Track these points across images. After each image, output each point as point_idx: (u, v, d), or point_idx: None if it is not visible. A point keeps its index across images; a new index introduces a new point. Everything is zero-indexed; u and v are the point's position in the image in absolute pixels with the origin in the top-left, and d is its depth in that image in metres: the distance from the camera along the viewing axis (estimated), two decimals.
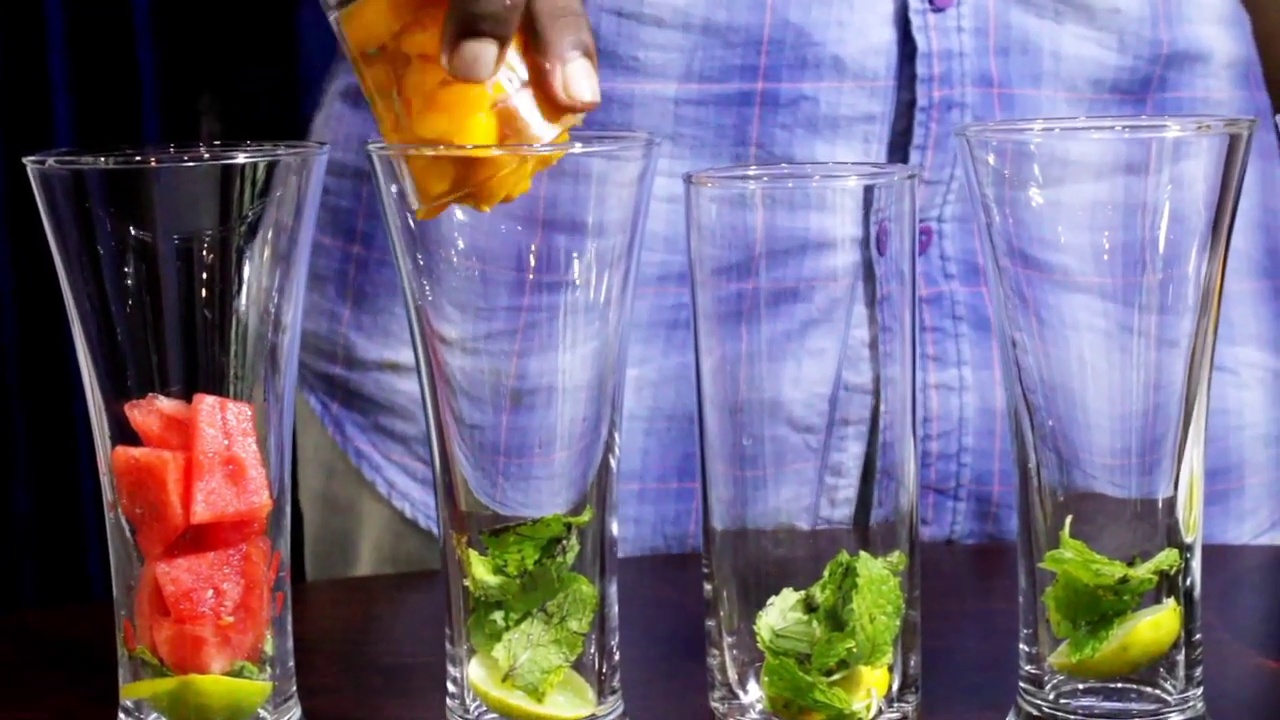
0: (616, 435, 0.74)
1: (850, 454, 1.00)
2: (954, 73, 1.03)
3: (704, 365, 0.73)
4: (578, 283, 0.72)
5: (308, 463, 1.16)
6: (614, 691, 0.75)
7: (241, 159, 0.70)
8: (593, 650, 0.73)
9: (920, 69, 1.02)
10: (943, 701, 0.78)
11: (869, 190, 0.71)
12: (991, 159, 0.72)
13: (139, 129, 2.05)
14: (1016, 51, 1.04)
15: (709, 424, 0.73)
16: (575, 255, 0.72)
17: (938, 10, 1.02)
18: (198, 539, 0.71)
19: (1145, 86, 1.07)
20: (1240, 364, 1.12)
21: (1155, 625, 0.72)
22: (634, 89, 1.03)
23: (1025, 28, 1.04)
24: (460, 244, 0.72)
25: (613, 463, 0.74)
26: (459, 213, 0.71)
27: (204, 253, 0.71)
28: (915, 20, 1.02)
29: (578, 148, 0.72)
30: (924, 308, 1.05)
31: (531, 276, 0.72)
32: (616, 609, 0.74)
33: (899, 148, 1.03)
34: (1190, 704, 0.73)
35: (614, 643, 0.74)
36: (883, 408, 0.74)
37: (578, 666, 0.73)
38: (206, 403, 0.71)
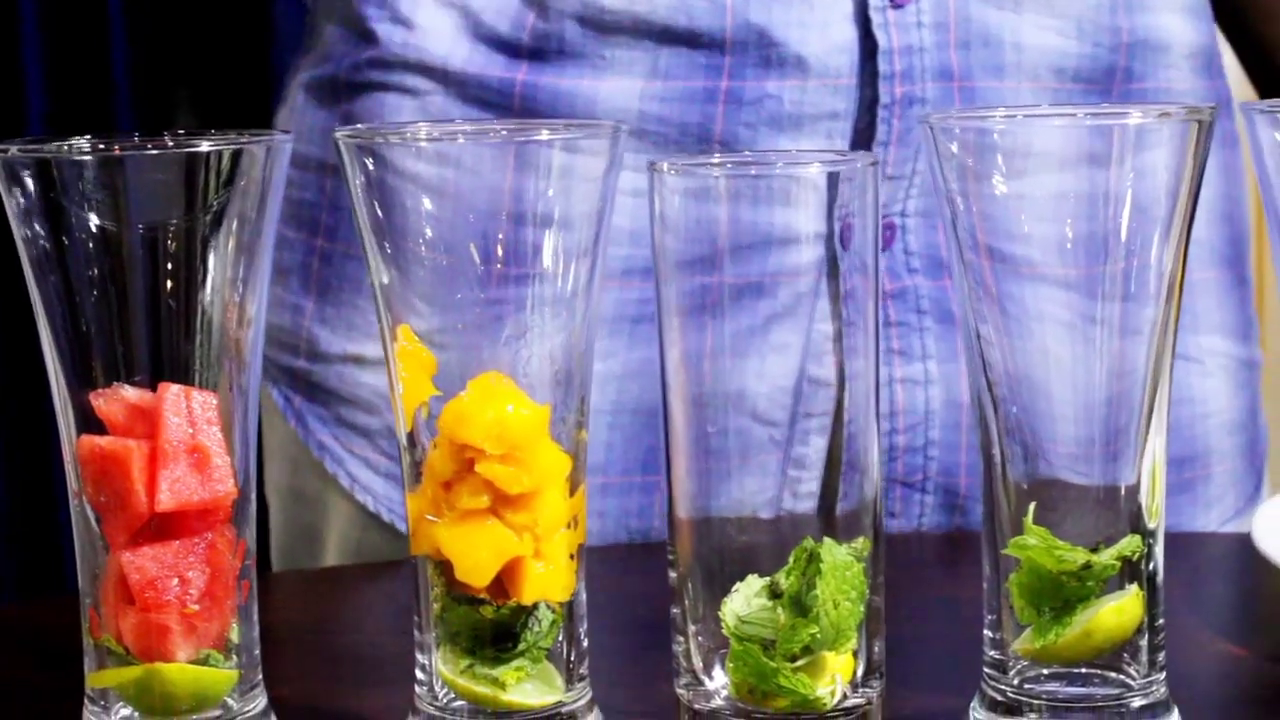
0: (584, 428, 0.74)
1: (814, 447, 1.00)
2: (915, 68, 1.03)
3: (669, 358, 0.73)
4: (545, 275, 0.72)
5: (272, 456, 1.16)
6: (581, 679, 0.75)
7: (206, 147, 0.70)
8: (560, 638, 0.74)
9: (882, 66, 1.03)
10: (907, 687, 0.78)
11: (833, 181, 0.71)
12: (954, 147, 0.72)
13: (112, 122, 2.05)
14: (978, 44, 1.04)
15: (674, 416, 0.73)
16: (542, 247, 0.72)
17: (897, 7, 1.03)
18: (163, 527, 0.71)
19: (1110, 77, 1.07)
20: (1205, 353, 1.13)
21: (1118, 611, 0.72)
22: (598, 86, 1.03)
23: (985, 20, 1.04)
24: (427, 234, 0.72)
25: (580, 454, 0.74)
26: (426, 201, 0.72)
27: (169, 241, 0.71)
28: (875, 18, 1.03)
29: (544, 135, 0.72)
30: (888, 303, 1.06)
31: (499, 269, 0.72)
32: (584, 597, 0.74)
33: (862, 144, 1.03)
34: (1153, 689, 0.73)
35: (582, 630, 0.74)
36: (846, 401, 0.74)
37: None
38: (171, 391, 0.71)
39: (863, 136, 1.03)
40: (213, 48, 2.11)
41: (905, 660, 0.78)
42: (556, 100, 1.04)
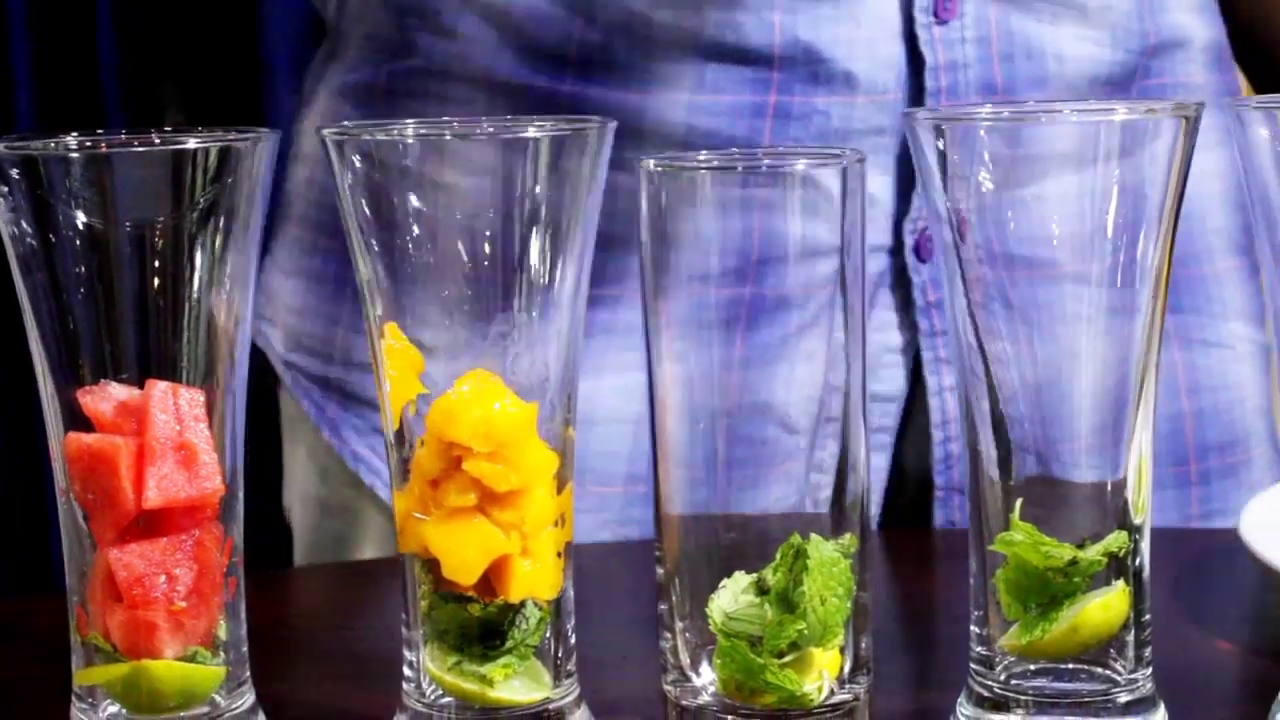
0: (572, 426, 0.74)
1: (829, 452, 1.01)
2: (960, 83, 1.04)
3: (667, 369, 0.73)
4: (533, 272, 0.72)
5: (297, 465, 1.16)
6: (569, 675, 0.75)
7: (193, 144, 0.70)
8: (548, 635, 0.74)
9: (928, 81, 1.04)
10: (894, 683, 0.78)
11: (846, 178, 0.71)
12: (941, 145, 0.72)
13: (102, 120, 2.04)
14: (1021, 57, 1.05)
15: (667, 423, 0.73)
16: (530, 244, 0.72)
17: (942, 23, 1.03)
18: (150, 524, 0.71)
19: (1131, 76, 1.08)
20: (1235, 338, 1.15)
21: (1105, 607, 0.73)
22: (645, 99, 1.04)
23: (1027, 33, 1.05)
24: (415, 232, 0.72)
25: (568, 452, 0.74)
26: (414, 199, 0.72)
27: (156, 238, 0.71)
28: (921, 34, 1.04)
29: (532, 132, 0.72)
30: (933, 312, 1.07)
31: (486, 266, 0.72)
32: (572, 594, 0.74)
33: (906, 158, 1.04)
34: (1139, 684, 0.73)
35: (569, 627, 0.74)
36: (848, 406, 0.74)
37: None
38: (159, 388, 0.71)
39: (907, 151, 1.04)
40: (201, 44, 2.11)
41: (892, 656, 0.78)
42: (604, 112, 1.04)
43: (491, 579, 0.72)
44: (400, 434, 0.73)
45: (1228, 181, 1.14)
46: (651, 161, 0.71)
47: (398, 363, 0.73)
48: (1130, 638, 0.73)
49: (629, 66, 1.04)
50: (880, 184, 1.05)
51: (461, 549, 0.72)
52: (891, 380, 1.08)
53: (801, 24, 1.02)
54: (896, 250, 1.07)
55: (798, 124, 1.03)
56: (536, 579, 0.72)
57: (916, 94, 1.04)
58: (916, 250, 1.06)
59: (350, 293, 1.10)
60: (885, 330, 1.07)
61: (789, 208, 0.71)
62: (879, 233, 1.06)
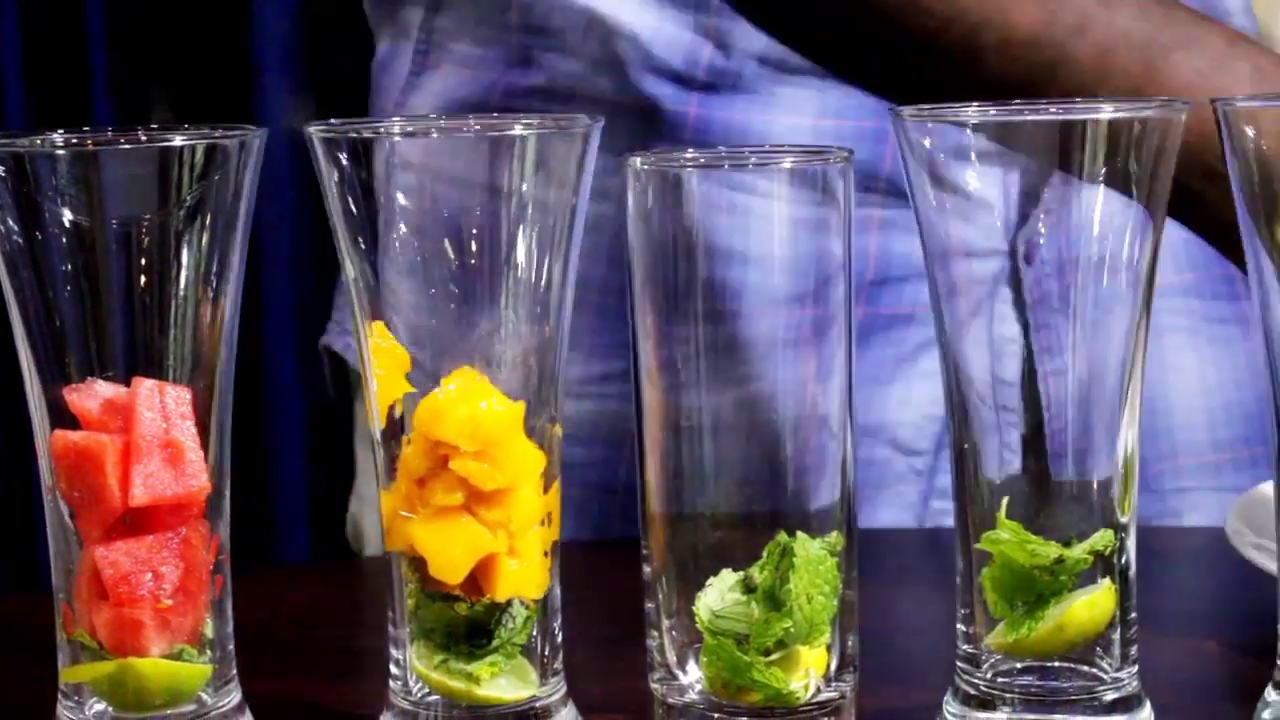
0: (558, 423, 0.74)
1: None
2: None
3: (648, 369, 0.73)
4: (519, 270, 0.72)
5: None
6: (556, 673, 0.75)
7: (179, 142, 0.70)
8: (535, 633, 0.74)
9: None
10: (881, 681, 0.78)
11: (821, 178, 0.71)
12: (927, 143, 0.72)
13: (91, 118, 2.04)
14: None
15: (650, 429, 0.73)
16: (516, 242, 0.72)
17: None
18: (136, 522, 0.71)
19: None
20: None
21: (1090, 605, 0.73)
22: (771, 120, 1.04)
23: None
24: (401, 230, 0.72)
25: (554, 451, 0.74)
26: (401, 197, 0.72)
27: (143, 236, 0.71)
28: None
29: (518, 129, 0.72)
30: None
31: (473, 264, 0.72)
32: (559, 592, 0.75)
33: None
34: (1125, 682, 0.73)
35: (556, 625, 0.75)
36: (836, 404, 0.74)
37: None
38: (145, 386, 0.71)
39: None
40: (191, 43, 2.11)
41: (879, 654, 0.78)
42: (729, 135, 1.04)
43: (478, 578, 0.72)
44: (387, 433, 0.73)
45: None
46: (638, 160, 0.71)
47: (384, 361, 0.73)
48: (1116, 636, 0.73)
49: (753, 90, 1.04)
50: None
51: (448, 548, 0.72)
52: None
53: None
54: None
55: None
56: (523, 578, 0.72)
57: None
58: (1027, 255, 1.07)
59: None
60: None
61: (770, 205, 0.71)
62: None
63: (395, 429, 0.73)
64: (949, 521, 0.97)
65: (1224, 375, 1.14)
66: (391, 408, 0.73)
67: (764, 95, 1.04)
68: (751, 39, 1.04)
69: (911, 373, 0.73)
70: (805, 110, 1.04)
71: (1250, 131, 0.71)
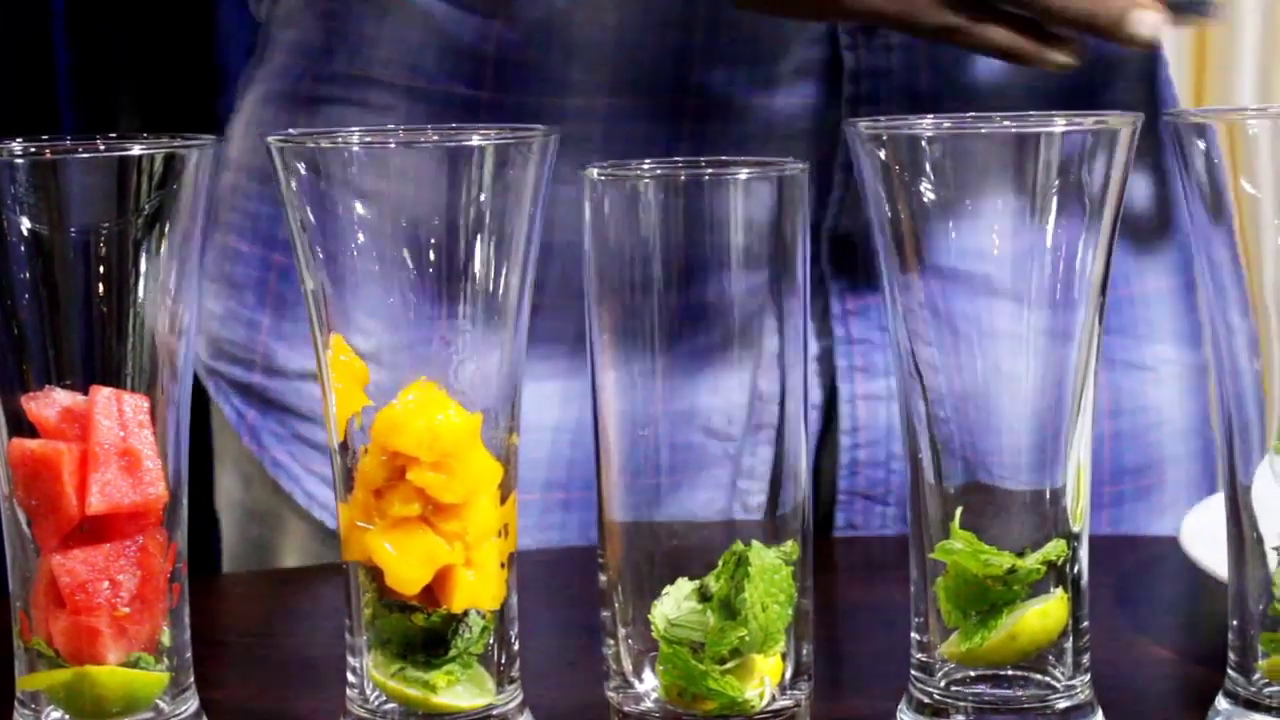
0: (515, 433, 0.74)
1: (760, 458, 1.01)
2: (881, 90, 1.03)
3: (605, 377, 0.73)
4: (476, 281, 0.72)
5: (224, 470, 1.16)
6: (513, 681, 0.75)
7: (137, 150, 0.70)
8: (492, 642, 0.74)
9: (847, 88, 1.03)
10: (835, 689, 0.79)
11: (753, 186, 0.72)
12: (883, 155, 0.72)
13: (56, 126, 2.04)
14: (949, 64, 1.04)
15: (607, 430, 0.74)
16: (474, 253, 0.72)
17: (868, 30, 1.03)
18: (94, 530, 0.71)
19: (1075, 95, 1.08)
20: (1159, 361, 1.14)
21: (1043, 614, 0.73)
22: (563, 103, 1.03)
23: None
24: (359, 241, 0.72)
25: (512, 461, 0.74)
26: (358, 208, 0.72)
27: (101, 245, 0.71)
28: (843, 39, 1.03)
29: (476, 140, 0.72)
30: (850, 320, 1.07)
31: (430, 275, 0.72)
32: (515, 599, 0.75)
33: (825, 165, 1.04)
34: (1078, 691, 0.74)
35: (513, 634, 0.75)
36: (785, 413, 0.75)
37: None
38: (103, 394, 0.71)
39: (827, 158, 1.04)
40: (156, 49, 2.10)
41: (834, 663, 0.79)
42: (521, 117, 1.03)
43: (435, 589, 0.72)
44: (345, 445, 0.74)
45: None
46: (595, 170, 0.72)
47: (343, 376, 0.73)
48: (1069, 645, 0.74)
49: (546, 70, 1.03)
50: None
51: (405, 560, 0.72)
52: (813, 388, 1.08)
53: (722, 24, 1.02)
54: (815, 258, 1.07)
55: (716, 126, 1.03)
56: (479, 590, 0.73)
57: (835, 100, 1.04)
58: (833, 258, 1.06)
59: (271, 299, 1.10)
60: (771, 335, 1.06)
61: (726, 216, 0.71)
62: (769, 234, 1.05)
63: (352, 441, 0.73)
64: (754, 500, 0.98)
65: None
66: (350, 420, 0.73)
67: (555, 74, 1.03)
68: (536, 8, 1.03)
69: (720, 361, 0.73)
70: (602, 89, 1.03)
71: (1201, 144, 0.71)
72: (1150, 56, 1.14)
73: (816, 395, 1.09)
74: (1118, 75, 1.11)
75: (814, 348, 1.08)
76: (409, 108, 1.05)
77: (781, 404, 0.74)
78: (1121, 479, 1.13)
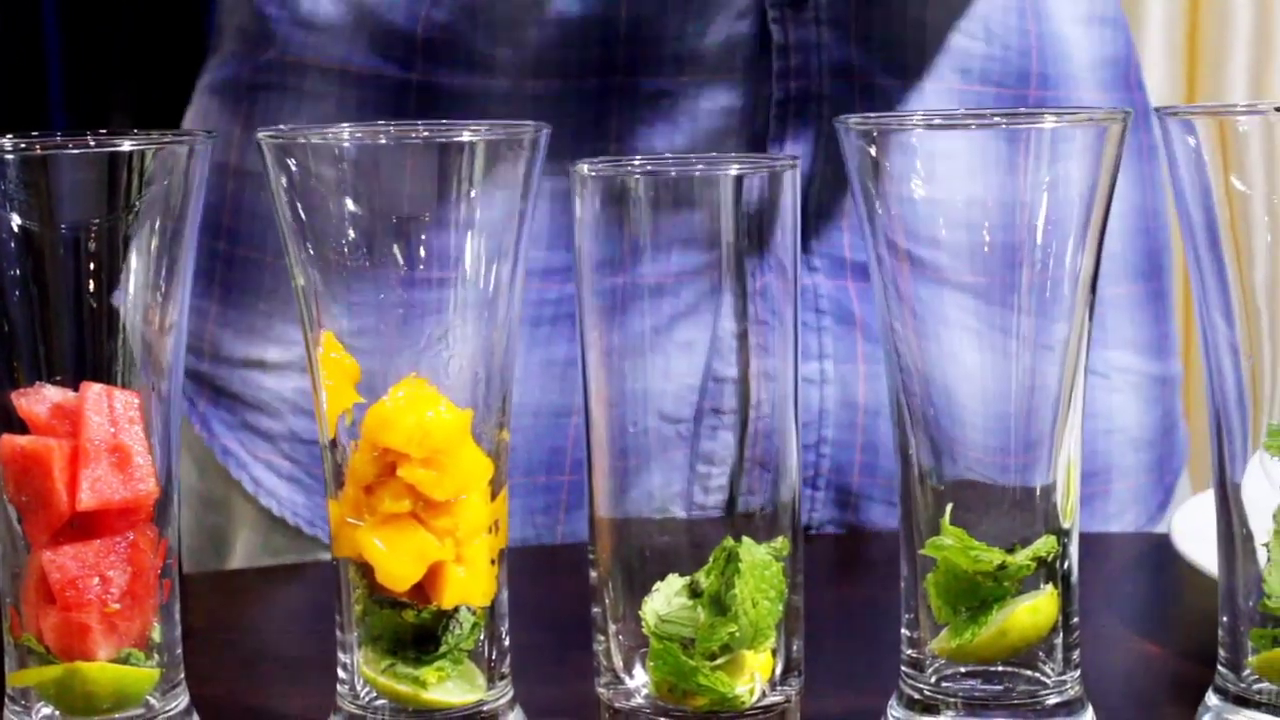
0: (506, 428, 0.74)
1: (721, 443, 1.01)
2: (811, 65, 1.02)
3: (588, 359, 0.73)
4: (466, 277, 0.72)
5: (181, 459, 1.15)
6: (503, 677, 0.75)
7: (127, 146, 0.70)
8: (482, 638, 0.74)
9: (776, 62, 1.02)
10: (826, 686, 0.79)
11: (741, 182, 0.72)
12: (872, 150, 0.73)
13: (46, 121, 2.04)
14: (878, 40, 1.04)
15: (593, 415, 0.74)
16: (463, 249, 0.72)
17: (795, 4, 1.02)
18: (84, 526, 0.71)
19: (1024, 80, 1.07)
20: (1112, 368, 1.13)
21: (1033, 610, 0.73)
22: (490, 84, 1.03)
23: (888, 14, 1.03)
24: (348, 236, 0.72)
25: (502, 456, 0.74)
26: (347, 203, 0.72)
27: (91, 241, 0.71)
28: (771, 12, 1.02)
29: (465, 136, 0.72)
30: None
31: (420, 270, 0.72)
32: (506, 595, 0.75)
33: (758, 141, 1.03)
34: (1068, 686, 0.74)
35: (503, 630, 0.75)
36: (754, 399, 0.74)
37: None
38: (93, 390, 0.71)
39: (759, 134, 1.03)
40: (148, 46, 2.10)
41: (824, 659, 0.79)
42: (450, 97, 1.03)
43: (425, 586, 0.73)
44: (335, 442, 0.74)
45: (1129, 203, 1.13)
46: (585, 166, 0.72)
47: (334, 373, 0.73)
48: (1059, 641, 0.74)
49: (471, 50, 1.03)
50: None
51: (395, 556, 0.72)
52: (729, 365, 1.07)
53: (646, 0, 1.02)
54: None
55: (645, 106, 1.02)
56: (470, 586, 0.73)
57: (765, 75, 1.03)
58: (751, 237, 1.06)
59: (218, 288, 1.10)
60: (730, 318, 1.06)
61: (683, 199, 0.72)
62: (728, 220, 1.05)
63: (342, 438, 0.73)
64: (713, 482, 0.98)
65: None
66: (340, 417, 0.73)
67: (480, 55, 1.03)
68: None
69: (669, 343, 0.73)
70: (526, 71, 1.02)
71: (1191, 141, 0.71)
72: (1107, 52, 1.13)
73: (734, 372, 1.08)
74: (1067, 69, 1.10)
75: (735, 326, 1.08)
76: (340, 93, 1.06)
77: (745, 387, 0.74)
78: None
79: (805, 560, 0.74)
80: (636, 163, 0.72)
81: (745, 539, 0.72)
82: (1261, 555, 0.73)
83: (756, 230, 0.73)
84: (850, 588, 0.98)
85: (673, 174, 0.71)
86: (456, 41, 1.03)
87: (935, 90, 1.05)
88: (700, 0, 1.02)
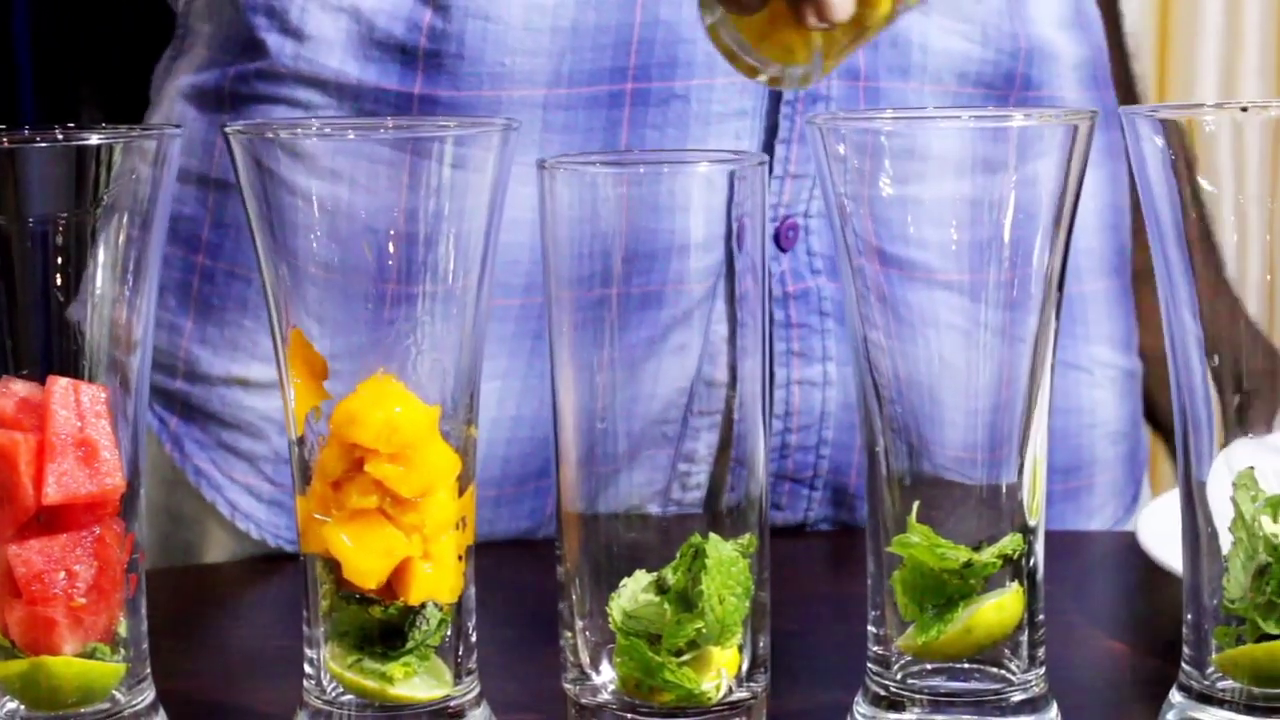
0: (474, 424, 0.74)
1: (704, 442, 1.01)
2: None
3: (560, 364, 0.73)
4: (436, 272, 0.72)
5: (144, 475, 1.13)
6: (470, 673, 0.75)
7: (95, 141, 0.70)
8: (449, 634, 0.74)
9: None
10: (792, 682, 0.79)
11: (730, 181, 0.72)
12: (841, 149, 0.73)
13: (16, 115, 2.03)
14: (885, 44, 1.05)
15: (564, 414, 0.74)
16: (434, 244, 0.72)
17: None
18: (50, 521, 0.71)
19: (1009, 83, 1.08)
20: (1094, 363, 1.15)
21: (999, 608, 0.74)
22: (500, 96, 1.02)
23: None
24: (318, 232, 0.72)
25: (470, 452, 0.74)
26: (316, 199, 0.72)
27: (58, 235, 0.71)
28: None
29: (434, 132, 0.72)
30: (790, 304, 1.06)
31: (390, 266, 0.72)
32: (473, 591, 0.75)
33: (767, 143, 1.04)
34: (1033, 684, 0.74)
35: (470, 626, 0.75)
36: (737, 400, 0.75)
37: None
38: (60, 385, 0.71)
39: (769, 135, 1.04)
40: (117, 41, 2.09)
41: (791, 655, 0.79)
42: (455, 112, 1.02)
43: (392, 582, 0.72)
44: (303, 439, 0.73)
45: (1102, 200, 1.14)
46: (549, 161, 0.72)
47: (302, 370, 0.73)
48: (1024, 638, 0.74)
49: (482, 61, 1.03)
50: None
51: (363, 552, 0.72)
52: (724, 366, 1.08)
53: (664, 3, 1.02)
54: None
55: (656, 110, 1.02)
56: (437, 582, 0.73)
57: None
58: (777, 239, 1.06)
59: (195, 304, 1.07)
60: (720, 321, 1.07)
61: (665, 204, 0.72)
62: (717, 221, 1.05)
63: (310, 435, 0.73)
64: (694, 480, 0.98)
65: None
66: (308, 415, 0.73)
67: (492, 66, 1.03)
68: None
69: (663, 349, 0.73)
70: (538, 80, 1.02)
71: (1158, 140, 0.72)
72: (1084, 53, 1.14)
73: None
74: (1052, 69, 1.11)
75: None
76: (338, 105, 1.04)
77: (737, 393, 0.74)
78: (1051, 478, 1.13)
79: (772, 557, 0.74)
80: (605, 159, 0.72)
81: (712, 535, 0.72)
82: (1225, 543, 0.73)
83: (736, 231, 0.72)
84: (817, 584, 0.98)
85: (641, 171, 0.72)
86: (464, 56, 1.02)
87: (935, 93, 1.06)
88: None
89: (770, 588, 0.74)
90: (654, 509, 0.75)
